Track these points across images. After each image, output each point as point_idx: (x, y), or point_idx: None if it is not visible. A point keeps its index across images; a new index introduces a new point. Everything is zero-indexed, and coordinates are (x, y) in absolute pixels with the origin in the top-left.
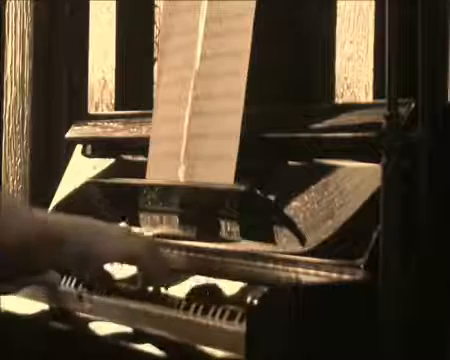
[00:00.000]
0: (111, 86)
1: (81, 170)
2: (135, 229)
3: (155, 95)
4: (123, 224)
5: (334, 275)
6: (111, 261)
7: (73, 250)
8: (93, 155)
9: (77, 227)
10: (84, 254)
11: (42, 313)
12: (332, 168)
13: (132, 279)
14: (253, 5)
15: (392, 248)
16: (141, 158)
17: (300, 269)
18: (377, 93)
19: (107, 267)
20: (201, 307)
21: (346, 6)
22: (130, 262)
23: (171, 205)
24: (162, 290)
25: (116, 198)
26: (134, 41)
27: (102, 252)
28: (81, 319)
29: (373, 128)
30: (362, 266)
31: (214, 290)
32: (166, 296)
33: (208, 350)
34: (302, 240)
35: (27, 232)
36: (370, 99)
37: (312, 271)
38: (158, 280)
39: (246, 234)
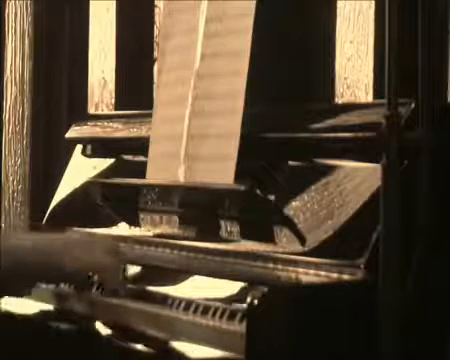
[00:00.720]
0: (111, 86)
1: (81, 170)
2: (135, 229)
3: (155, 95)
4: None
5: (334, 275)
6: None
7: (34, 271)
8: (93, 155)
9: (34, 249)
10: (48, 271)
11: (42, 313)
12: (332, 168)
13: (130, 279)
14: (253, 5)
15: (392, 248)
16: (141, 158)
17: (300, 269)
18: (377, 93)
19: None
20: (201, 307)
21: (346, 6)
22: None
23: (171, 205)
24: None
25: (116, 198)
26: (134, 41)
27: (61, 267)
28: (81, 319)
29: (373, 128)
30: (362, 266)
31: None
32: (166, 296)
33: (208, 350)
34: (302, 240)
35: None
36: (370, 99)
37: (312, 271)
38: (111, 285)
39: (246, 234)
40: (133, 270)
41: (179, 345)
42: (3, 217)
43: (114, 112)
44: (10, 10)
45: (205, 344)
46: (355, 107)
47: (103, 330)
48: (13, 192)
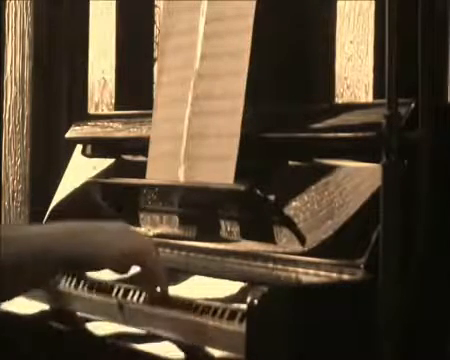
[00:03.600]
0: (111, 86)
1: (81, 170)
2: (135, 229)
3: (155, 95)
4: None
5: (334, 275)
6: (111, 261)
7: (62, 257)
8: (93, 155)
9: (64, 236)
10: (77, 259)
11: (42, 313)
12: (332, 168)
13: (132, 279)
14: (253, 5)
15: (392, 248)
16: (141, 158)
17: (300, 269)
18: (377, 93)
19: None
20: (201, 307)
21: (346, 6)
22: (130, 261)
23: (171, 205)
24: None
25: (116, 198)
26: (134, 41)
27: (99, 252)
28: (81, 319)
29: (373, 128)
30: (362, 266)
31: None
32: (166, 296)
33: (208, 350)
34: (302, 240)
35: (9, 252)
36: (370, 99)
37: (312, 271)
38: (160, 281)
39: (246, 234)
40: (133, 270)
41: (179, 345)
42: (3, 217)
43: (114, 112)
44: (10, 10)
45: (205, 344)
46: (355, 107)
47: (102, 330)
48: (13, 192)
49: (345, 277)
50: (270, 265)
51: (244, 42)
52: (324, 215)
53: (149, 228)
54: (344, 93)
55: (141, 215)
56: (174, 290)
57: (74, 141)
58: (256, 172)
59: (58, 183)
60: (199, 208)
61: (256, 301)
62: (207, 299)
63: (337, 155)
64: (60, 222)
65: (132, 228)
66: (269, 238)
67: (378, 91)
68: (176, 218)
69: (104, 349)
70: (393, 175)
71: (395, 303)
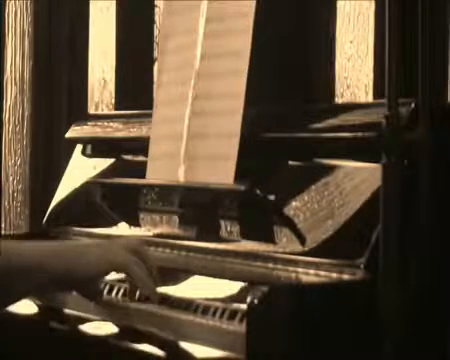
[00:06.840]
0: (111, 86)
1: (81, 170)
2: (135, 229)
3: (155, 95)
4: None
5: (334, 275)
6: (95, 280)
7: (53, 276)
8: (93, 155)
9: (54, 253)
10: (65, 279)
11: (42, 313)
12: (332, 168)
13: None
14: (253, 5)
15: (392, 248)
16: (141, 158)
17: (300, 269)
18: (377, 93)
19: None
20: (201, 307)
21: (346, 6)
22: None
23: (171, 205)
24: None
25: (116, 198)
26: (134, 41)
27: (83, 274)
28: (81, 319)
29: (373, 128)
30: (362, 266)
31: None
32: (166, 296)
33: (208, 350)
34: (302, 240)
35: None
36: (370, 99)
37: (312, 271)
38: (146, 287)
39: (246, 234)
40: None
41: (179, 345)
42: (3, 217)
43: (114, 112)
44: (10, 10)
45: (205, 344)
46: (355, 107)
47: (102, 330)
48: (13, 192)
49: (345, 277)
50: (270, 265)
51: (244, 42)
52: (324, 215)
53: (149, 228)
54: (344, 93)
55: (141, 215)
56: (174, 290)
57: (74, 141)
58: (256, 172)
59: (58, 183)
60: (199, 208)
61: (256, 301)
62: (207, 299)
63: (337, 155)
64: (47, 241)
65: (114, 241)
66: (269, 238)
67: (378, 91)
68: (176, 218)
69: (104, 349)
70: (393, 175)
71: (395, 303)
